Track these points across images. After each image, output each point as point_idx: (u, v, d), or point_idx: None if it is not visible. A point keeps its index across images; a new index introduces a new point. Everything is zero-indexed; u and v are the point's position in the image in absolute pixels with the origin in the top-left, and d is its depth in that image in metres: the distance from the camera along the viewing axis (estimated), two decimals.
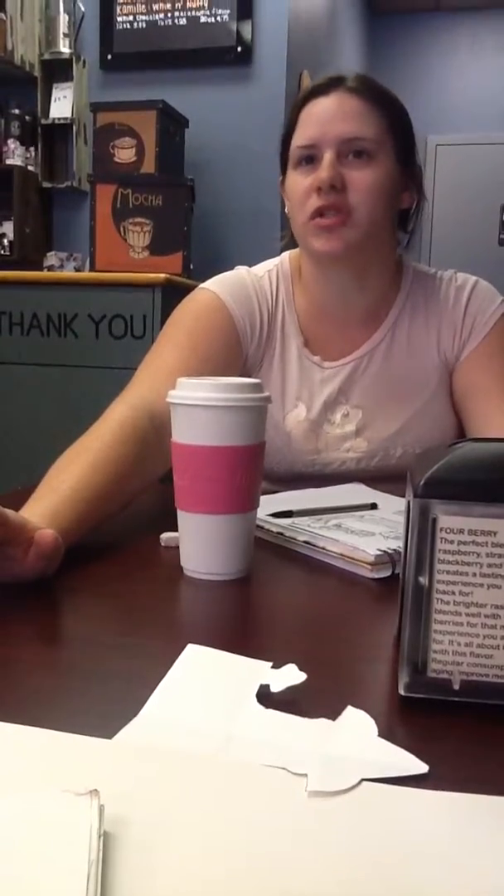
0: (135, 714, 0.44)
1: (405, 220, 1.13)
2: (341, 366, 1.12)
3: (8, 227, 3.25)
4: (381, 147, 1.01)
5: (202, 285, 1.12)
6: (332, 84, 1.02)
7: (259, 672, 0.49)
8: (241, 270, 1.14)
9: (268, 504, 0.84)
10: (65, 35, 3.27)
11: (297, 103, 1.05)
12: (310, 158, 1.02)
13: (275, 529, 0.81)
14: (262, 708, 0.45)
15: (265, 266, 1.16)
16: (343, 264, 1.05)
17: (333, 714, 0.44)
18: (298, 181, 1.03)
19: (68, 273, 3.15)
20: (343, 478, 1.09)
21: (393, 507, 0.89)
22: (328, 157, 0.99)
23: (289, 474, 1.13)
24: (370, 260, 1.07)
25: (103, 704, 0.47)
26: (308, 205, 1.01)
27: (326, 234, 1.01)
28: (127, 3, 3.21)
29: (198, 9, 3.13)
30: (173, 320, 1.09)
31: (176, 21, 3.16)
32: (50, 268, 3.25)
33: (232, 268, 1.15)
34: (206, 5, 3.12)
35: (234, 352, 1.09)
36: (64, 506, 0.75)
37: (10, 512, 0.63)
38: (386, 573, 0.71)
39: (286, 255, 1.17)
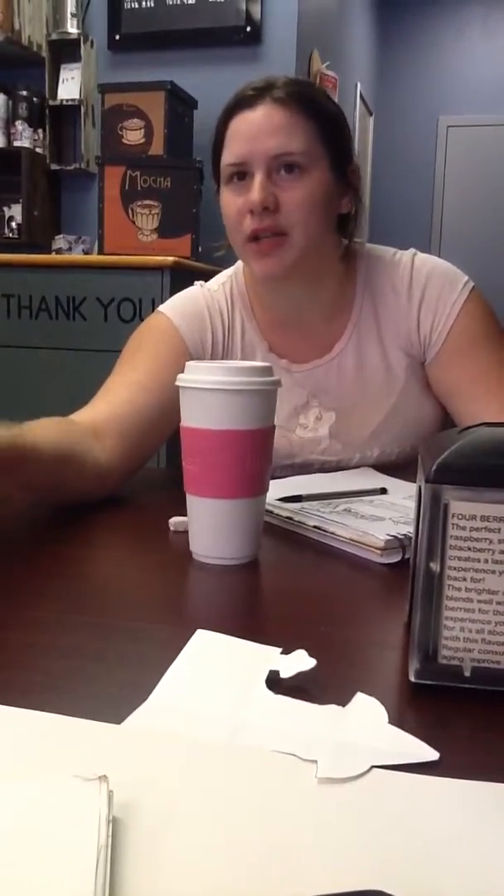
0: (144, 700, 0.44)
1: (346, 224, 1.07)
2: (310, 370, 1.10)
3: (16, 210, 3.23)
4: (312, 158, 0.97)
5: (158, 308, 1.13)
6: (257, 95, 0.98)
7: (268, 658, 0.49)
8: (195, 288, 1.14)
9: (277, 488, 0.84)
10: (72, 15, 3.24)
11: (224, 116, 1.01)
12: (241, 175, 0.99)
13: (284, 514, 0.81)
14: (271, 694, 0.45)
15: (219, 279, 1.15)
16: (287, 281, 1.03)
17: (343, 700, 0.44)
18: (231, 200, 1.01)
19: (77, 256, 3.13)
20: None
21: (403, 492, 0.88)
22: (258, 176, 0.96)
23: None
24: (315, 271, 1.04)
25: (112, 690, 0.47)
26: (243, 226, 0.99)
27: (264, 258, 0.99)
28: None
29: None
30: (128, 345, 1.10)
31: (184, 0, 3.13)
32: (58, 251, 3.24)
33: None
34: None
35: None
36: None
37: None
38: (396, 558, 0.71)
39: (240, 264, 1.15)
